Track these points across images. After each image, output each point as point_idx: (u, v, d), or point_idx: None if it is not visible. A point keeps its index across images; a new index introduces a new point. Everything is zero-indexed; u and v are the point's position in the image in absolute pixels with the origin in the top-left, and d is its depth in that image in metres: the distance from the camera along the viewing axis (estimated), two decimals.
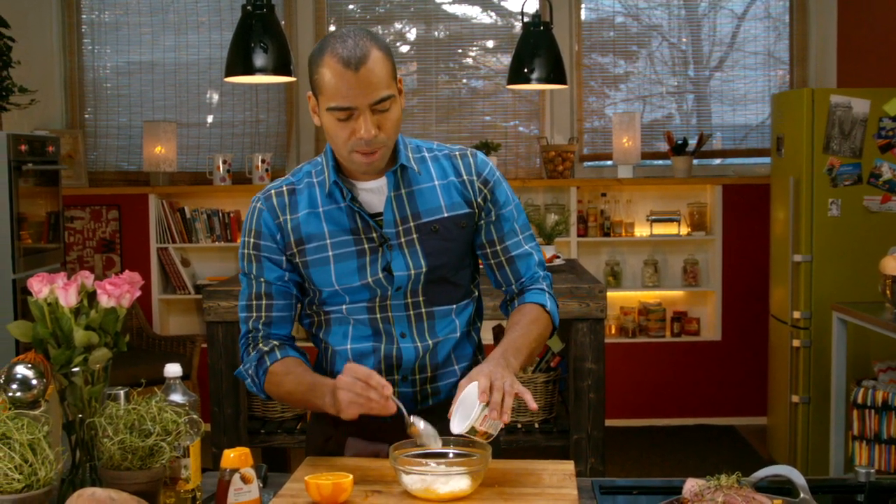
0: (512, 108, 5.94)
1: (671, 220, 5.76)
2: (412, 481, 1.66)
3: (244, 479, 1.58)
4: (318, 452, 2.00)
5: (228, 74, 3.80)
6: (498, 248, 2.00)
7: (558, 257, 4.12)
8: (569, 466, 1.83)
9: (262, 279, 1.94)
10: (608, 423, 3.68)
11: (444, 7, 5.97)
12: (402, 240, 1.90)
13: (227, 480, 1.57)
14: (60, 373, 1.58)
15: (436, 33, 5.94)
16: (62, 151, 5.47)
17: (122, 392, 1.63)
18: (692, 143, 5.74)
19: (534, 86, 4.62)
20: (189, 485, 1.62)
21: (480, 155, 1.99)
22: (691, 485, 1.58)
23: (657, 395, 5.78)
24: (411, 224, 1.91)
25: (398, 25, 6.01)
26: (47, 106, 5.68)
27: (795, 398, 4.68)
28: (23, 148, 4.45)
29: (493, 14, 6.00)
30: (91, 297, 1.62)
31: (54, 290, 1.58)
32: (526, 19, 4.63)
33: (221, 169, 5.61)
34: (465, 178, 1.95)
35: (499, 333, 3.76)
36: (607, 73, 5.98)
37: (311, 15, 5.81)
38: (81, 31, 5.82)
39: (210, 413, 3.44)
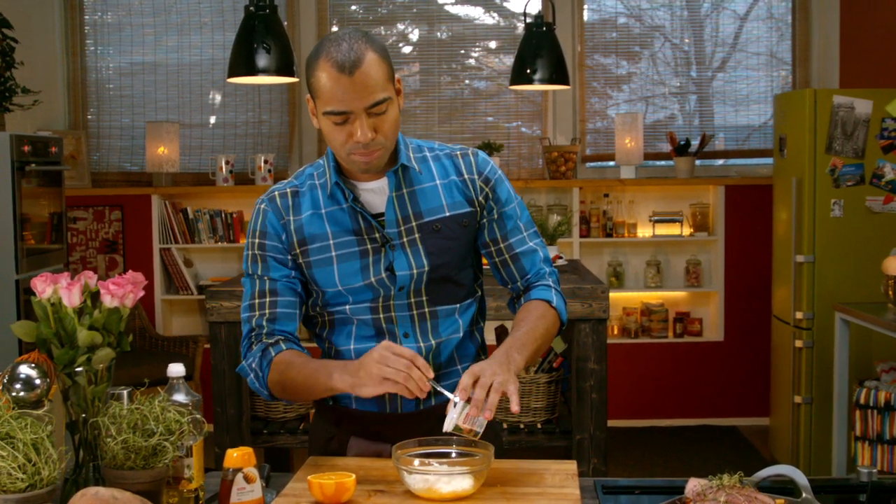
0: (514, 108, 5.94)
1: (674, 221, 5.76)
2: (415, 481, 1.67)
3: (247, 479, 1.58)
4: (321, 452, 2.00)
5: (231, 75, 3.80)
6: (502, 245, 2.00)
7: (561, 258, 4.12)
8: (571, 466, 1.83)
9: (266, 277, 1.93)
10: (611, 423, 3.69)
11: (447, 8, 5.98)
12: (405, 239, 1.90)
13: (230, 480, 1.57)
14: (64, 373, 1.58)
15: (438, 34, 5.94)
16: (65, 152, 5.48)
17: (125, 392, 1.63)
18: (695, 143, 5.74)
19: (536, 86, 4.62)
20: (192, 484, 1.63)
21: (481, 154, 1.99)
22: (694, 485, 1.58)
23: (660, 396, 5.78)
24: (413, 223, 1.91)
25: (401, 26, 6.01)
26: (50, 107, 5.68)
27: (798, 398, 4.68)
28: (26, 149, 4.46)
29: (495, 15, 6.00)
30: (94, 297, 1.62)
31: (58, 290, 1.58)
32: (528, 20, 4.63)
33: (224, 169, 5.62)
34: (466, 176, 1.95)
35: (502, 334, 3.76)
36: (610, 73, 5.98)
37: (314, 15, 5.81)
38: (84, 31, 5.83)
39: (213, 413, 3.44)
